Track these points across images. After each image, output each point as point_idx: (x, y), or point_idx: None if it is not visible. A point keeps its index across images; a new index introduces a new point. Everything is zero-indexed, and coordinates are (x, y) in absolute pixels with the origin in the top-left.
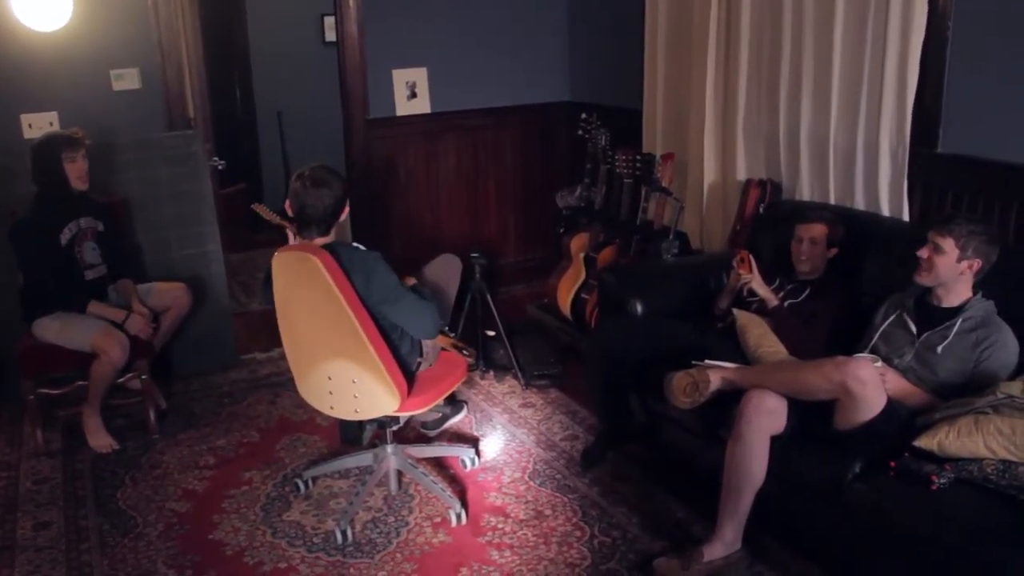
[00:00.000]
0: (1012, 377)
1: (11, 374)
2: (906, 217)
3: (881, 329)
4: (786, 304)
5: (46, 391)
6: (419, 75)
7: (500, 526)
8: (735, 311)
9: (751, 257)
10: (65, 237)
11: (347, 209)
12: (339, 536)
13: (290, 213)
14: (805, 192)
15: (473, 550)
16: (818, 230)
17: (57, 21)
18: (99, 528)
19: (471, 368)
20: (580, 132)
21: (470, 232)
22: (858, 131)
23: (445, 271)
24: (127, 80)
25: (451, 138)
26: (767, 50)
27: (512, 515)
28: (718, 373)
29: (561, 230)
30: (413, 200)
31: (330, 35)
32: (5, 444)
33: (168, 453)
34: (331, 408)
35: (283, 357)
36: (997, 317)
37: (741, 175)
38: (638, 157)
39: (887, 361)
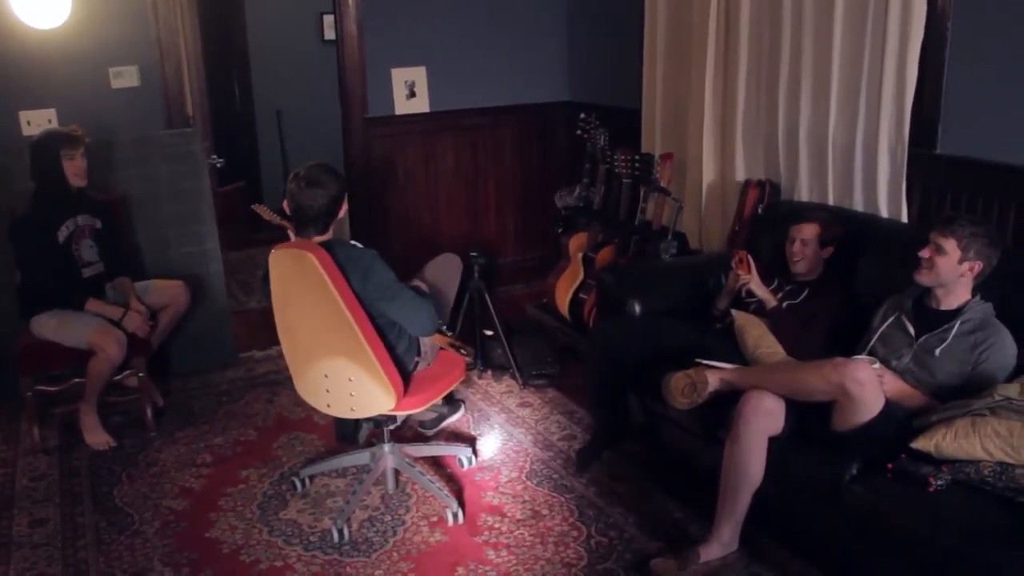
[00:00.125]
0: (1010, 379)
1: (8, 371)
2: (905, 218)
3: (879, 331)
4: (784, 305)
5: (43, 388)
6: (418, 74)
7: (497, 526)
8: (733, 312)
9: (750, 258)
10: (63, 234)
11: (345, 207)
12: (336, 535)
13: (288, 213)
14: (804, 193)
15: (470, 549)
16: (809, 230)
17: (56, 19)
18: (96, 525)
19: (469, 367)
20: (579, 132)
21: (469, 232)
22: (857, 131)
23: (445, 270)
24: (126, 78)
25: (450, 137)
26: (766, 50)
27: (509, 515)
28: (716, 374)
29: (560, 230)
30: (412, 199)
31: (329, 33)
32: (2, 441)
33: (165, 451)
34: (327, 406)
35: (281, 355)
36: (995, 319)
37: (740, 175)
38: (637, 157)
39: (885, 363)
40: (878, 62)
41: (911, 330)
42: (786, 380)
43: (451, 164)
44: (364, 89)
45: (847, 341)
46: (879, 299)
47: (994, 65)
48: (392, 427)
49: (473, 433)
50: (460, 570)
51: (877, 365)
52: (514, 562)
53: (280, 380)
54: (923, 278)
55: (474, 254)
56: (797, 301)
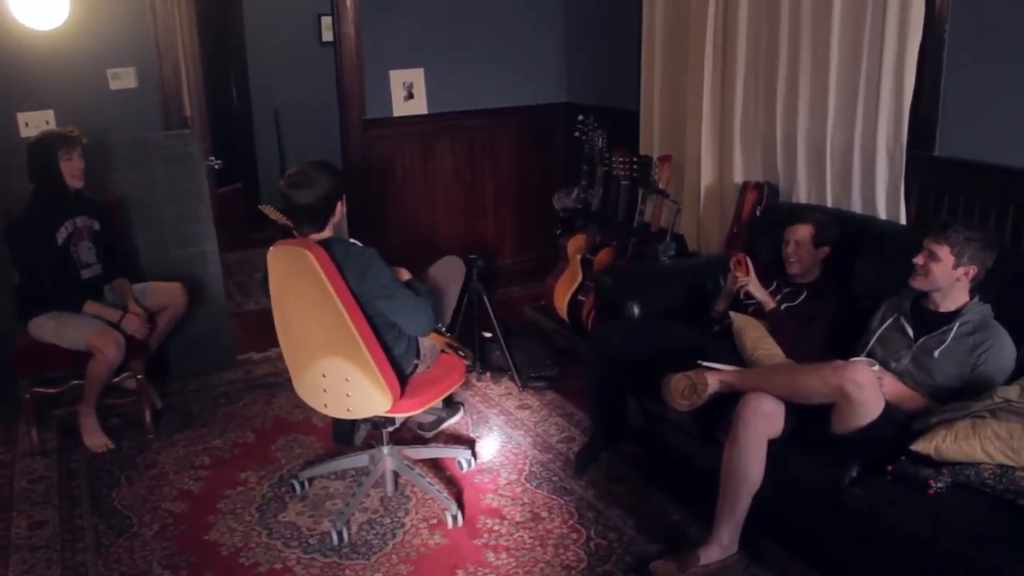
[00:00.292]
0: (1009, 381)
1: (7, 373)
2: (903, 220)
3: (878, 333)
4: (783, 307)
5: (42, 390)
6: (416, 76)
7: (496, 528)
8: (732, 314)
9: (748, 260)
10: (61, 236)
11: (342, 204)
12: (335, 537)
13: None
14: (802, 195)
15: (469, 552)
16: (802, 231)
17: (54, 20)
18: (94, 528)
19: (468, 370)
20: (577, 134)
21: (467, 233)
22: (855, 134)
23: (448, 272)
24: (123, 79)
25: (448, 139)
26: (764, 52)
27: (508, 517)
28: (716, 376)
29: (558, 232)
30: (410, 201)
31: (327, 35)
32: (0, 443)
33: (164, 453)
34: (325, 406)
35: (279, 357)
36: (994, 321)
37: (738, 177)
38: (635, 159)
39: (884, 365)
40: (876, 64)
41: (910, 332)
42: (785, 382)
43: (449, 166)
44: (362, 90)
45: (846, 343)
46: (877, 300)
47: (992, 67)
48: (391, 429)
49: (472, 435)
50: (460, 573)
51: (876, 367)
52: (514, 564)
53: (278, 382)
54: (919, 284)
55: (473, 256)
56: (795, 303)
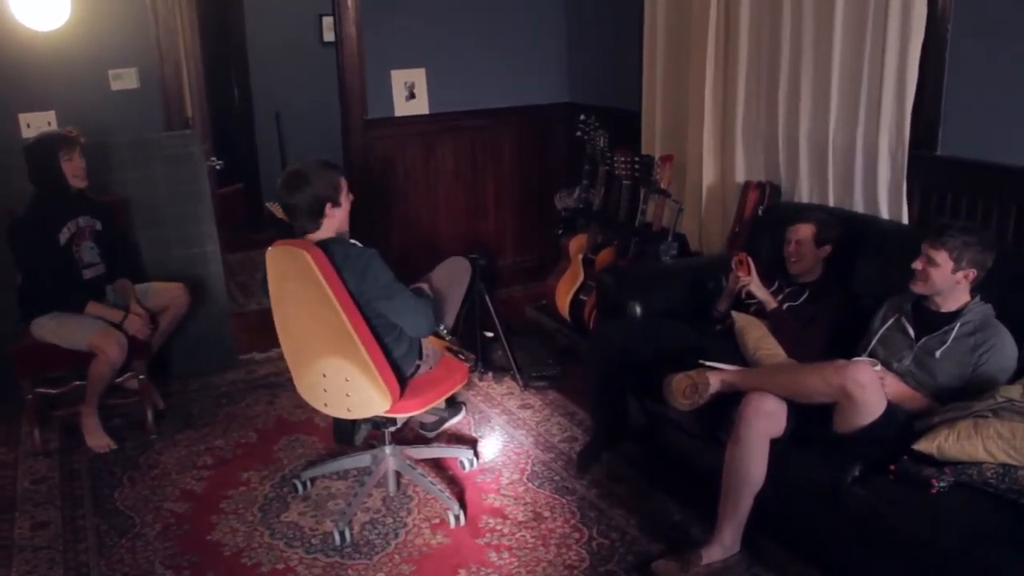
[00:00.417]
0: (1011, 380)
1: (9, 373)
2: (905, 219)
3: (879, 333)
4: (785, 307)
5: (44, 391)
6: (417, 76)
7: (498, 528)
8: (734, 313)
9: (750, 259)
10: (64, 236)
11: (344, 205)
12: (337, 537)
13: None
14: (804, 194)
15: (471, 552)
16: (803, 231)
17: (55, 20)
18: (97, 528)
19: (470, 371)
20: (579, 133)
21: (468, 233)
22: (857, 133)
23: (453, 274)
24: (125, 80)
25: (449, 139)
26: (766, 52)
27: (510, 517)
28: (718, 375)
29: (560, 231)
30: (412, 201)
31: (328, 35)
32: (2, 444)
33: (166, 453)
34: (325, 405)
35: (281, 357)
36: (995, 320)
37: (740, 177)
38: (637, 159)
39: (886, 365)
40: (878, 64)
41: (911, 332)
42: (787, 382)
43: (451, 166)
44: (363, 91)
45: (847, 343)
46: (879, 300)
47: (994, 67)
48: (392, 429)
49: (474, 435)
50: (462, 572)
51: (878, 367)
52: (516, 564)
53: (280, 382)
54: (918, 288)
55: (475, 256)
56: (797, 303)
